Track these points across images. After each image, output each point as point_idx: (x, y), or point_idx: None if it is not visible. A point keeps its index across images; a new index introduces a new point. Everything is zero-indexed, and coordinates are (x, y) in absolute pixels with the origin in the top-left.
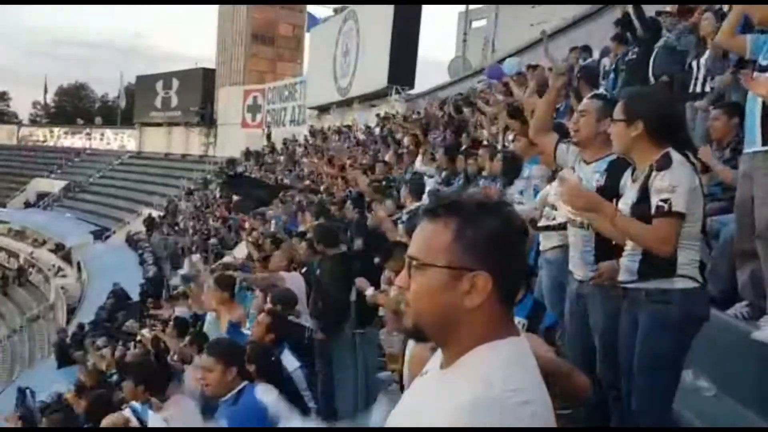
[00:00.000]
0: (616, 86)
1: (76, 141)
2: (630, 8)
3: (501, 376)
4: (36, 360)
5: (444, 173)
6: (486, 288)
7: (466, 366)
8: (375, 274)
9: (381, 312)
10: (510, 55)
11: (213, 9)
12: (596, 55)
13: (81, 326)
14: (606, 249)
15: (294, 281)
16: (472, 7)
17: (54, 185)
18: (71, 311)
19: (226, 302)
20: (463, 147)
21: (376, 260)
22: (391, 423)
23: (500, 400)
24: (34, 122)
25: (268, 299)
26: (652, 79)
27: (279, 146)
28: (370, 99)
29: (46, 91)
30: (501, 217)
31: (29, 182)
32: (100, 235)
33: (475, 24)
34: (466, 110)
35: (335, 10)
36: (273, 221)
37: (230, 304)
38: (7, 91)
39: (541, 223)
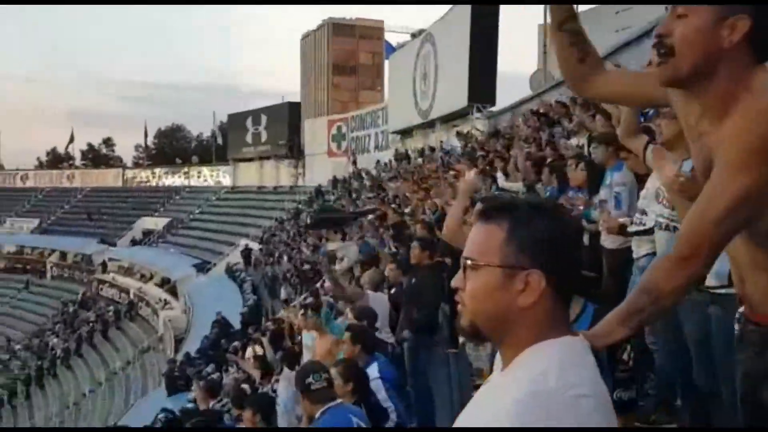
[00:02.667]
0: None
1: (176, 180)
2: None
3: (557, 371)
4: (149, 389)
5: (529, 187)
6: (539, 286)
7: (522, 364)
8: None
9: None
10: None
11: (296, 44)
12: None
13: (188, 355)
14: None
15: (378, 301)
16: (550, 19)
17: (158, 223)
18: (179, 341)
19: (319, 328)
20: (549, 160)
21: None
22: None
23: (557, 393)
24: (137, 164)
25: (349, 315)
26: None
27: (364, 172)
28: (451, 119)
29: (146, 135)
30: (554, 217)
31: (136, 221)
32: (202, 267)
33: None
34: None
35: (412, 35)
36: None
37: (321, 330)
38: (111, 137)
39: (632, 228)
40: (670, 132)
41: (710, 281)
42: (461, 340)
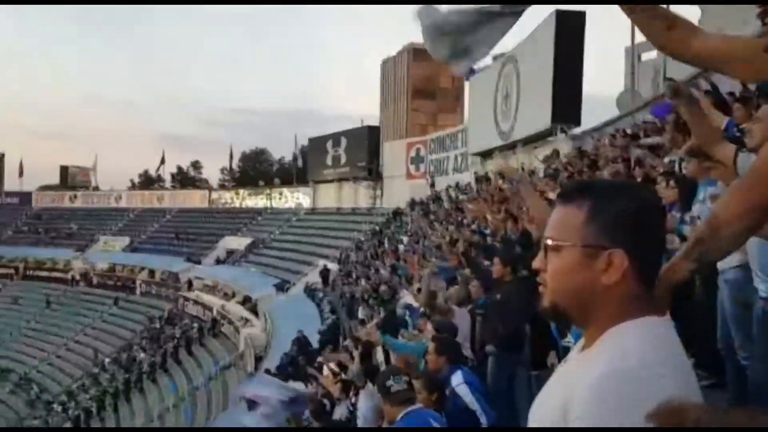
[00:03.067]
0: None
1: (258, 201)
2: None
3: (638, 351)
4: (229, 405)
5: None
6: (623, 265)
7: (603, 344)
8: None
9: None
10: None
11: (376, 68)
12: None
13: (267, 371)
14: None
15: (461, 316)
16: (638, 41)
17: (241, 242)
18: (258, 359)
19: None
20: (638, 179)
21: None
22: (531, 409)
23: (637, 371)
24: (222, 186)
25: (429, 326)
26: None
27: (443, 193)
28: (533, 140)
29: (231, 158)
30: (636, 196)
31: (219, 240)
32: (282, 287)
33: (644, 57)
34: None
35: (494, 58)
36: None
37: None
38: (199, 160)
39: None
40: (761, 136)
41: None
42: (549, 361)
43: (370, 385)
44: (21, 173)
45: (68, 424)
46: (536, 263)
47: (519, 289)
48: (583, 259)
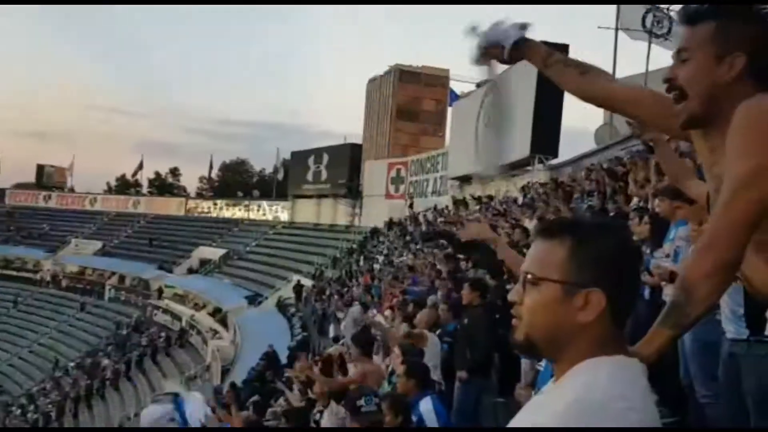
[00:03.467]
0: None
1: (236, 212)
2: None
3: (607, 384)
4: None
5: None
6: (600, 304)
7: (574, 376)
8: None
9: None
10: None
11: (362, 88)
12: None
13: (233, 385)
14: (758, 302)
15: (433, 341)
16: (618, 75)
17: (215, 253)
18: (225, 371)
19: (361, 360)
20: (612, 214)
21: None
22: None
23: (602, 403)
24: (200, 195)
25: (398, 351)
26: None
27: (420, 216)
28: (511, 169)
29: (211, 167)
30: (616, 237)
31: (194, 250)
32: (254, 300)
33: None
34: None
35: (477, 85)
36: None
37: (368, 362)
38: (178, 167)
39: None
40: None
41: None
42: (517, 391)
43: (333, 404)
44: None
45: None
46: (512, 296)
47: (486, 314)
48: (561, 296)
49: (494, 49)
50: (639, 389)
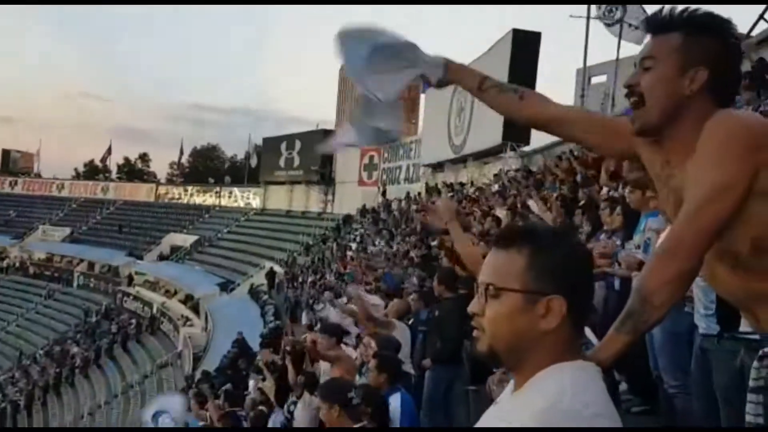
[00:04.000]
0: None
1: (207, 198)
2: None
3: (570, 391)
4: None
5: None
6: (561, 311)
7: (535, 385)
8: None
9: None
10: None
11: (334, 74)
12: None
13: (206, 373)
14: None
15: (402, 330)
16: (590, 63)
17: (186, 240)
18: (197, 359)
19: (333, 349)
20: (581, 203)
21: None
22: None
23: (572, 411)
24: (170, 181)
25: (373, 344)
26: None
27: (393, 203)
28: (483, 156)
29: (182, 153)
30: (570, 244)
31: (164, 237)
32: (226, 287)
33: (595, 80)
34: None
35: None
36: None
37: (341, 351)
38: (147, 152)
39: None
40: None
41: (744, 326)
42: (489, 382)
43: (306, 395)
44: None
45: None
46: (473, 308)
47: (456, 306)
48: (523, 305)
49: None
50: (601, 394)
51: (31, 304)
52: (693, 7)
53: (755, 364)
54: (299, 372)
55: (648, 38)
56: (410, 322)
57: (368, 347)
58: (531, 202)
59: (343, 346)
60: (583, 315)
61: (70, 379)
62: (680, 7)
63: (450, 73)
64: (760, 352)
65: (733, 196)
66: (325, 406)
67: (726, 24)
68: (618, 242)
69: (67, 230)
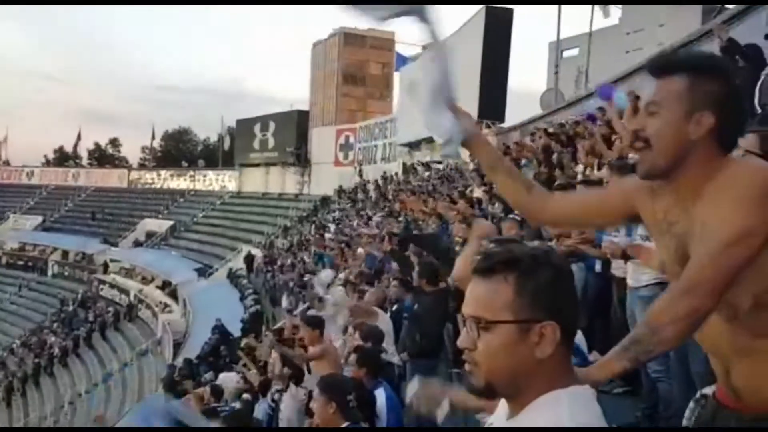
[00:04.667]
0: None
1: (181, 183)
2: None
3: (567, 420)
4: (145, 392)
5: None
6: (555, 336)
7: (533, 413)
8: None
9: None
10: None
11: (306, 53)
12: None
13: (188, 361)
14: None
15: (382, 318)
16: (563, 36)
17: (161, 225)
18: (177, 346)
19: (316, 340)
20: (558, 182)
21: None
22: None
23: None
24: (142, 166)
25: (357, 335)
26: (758, 108)
27: (371, 184)
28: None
29: (153, 137)
30: (555, 265)
31: (139, 223)
32: (204, 272)
33: (567, 54)
34: (556, 144)
35: (423, 47)
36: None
37: (324, 343)
38: (117, 137)
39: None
40: None
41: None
42: None
43: (293, 386)
44: None
45: None
46: (464, 343)
47: (436, 299)
48: (517, 335)
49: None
50: (597, 420)
51: (5, 294)
52: (696, 50)
53: (690, 404)
54: (285, 363)
55: (652, 81)
56: (394, 309)
57: (353, 338)
58: None
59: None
60: (573, 333)
61: (49, 369)
62: (683, 50)
63: (470, 142)
64: (697, 394)
65: (756, 242)
66: (322, 400)
67: (730, 66)
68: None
69: (39, 218)
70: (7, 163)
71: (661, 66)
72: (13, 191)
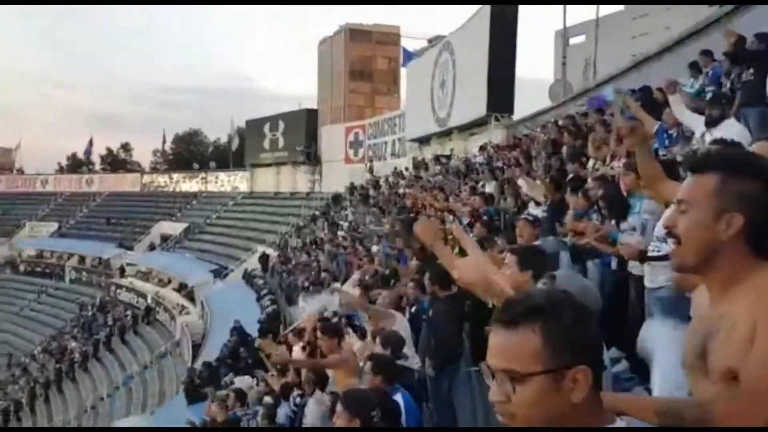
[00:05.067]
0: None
1: (193, 185)
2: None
3: None
4: (166, 397)
5: (549, 205)
6: (588, 380)
7: None
8: (487, 312)
9: None
10: (613, 77)
11: (313, 50)
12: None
13: (208, 364)
14: None
15: (400, 321)
16: (569, 24)
17: (176, 228)
18: (196, 347)
19: (335, 349)
20: (570, 176)
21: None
22: None
23: None
24: (154, 169)
25: (377, 341)
26: None
27: (382, 180)
28: (469, 128)
29: (164, 141)
30: (575, 306)
31: (153, 226)
32: (219, 273)
33: (573, 41)
34: (569, 137)
35: (429, 41)
36: (379, 254)
37: (343, 351)
38: (129, 142)
39: (651, 254)
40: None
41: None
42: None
43: (318, 391)
44: None
45: None
46: (496, 396)
47: (451, 306)
48: (551, 384)
49: None
50: None
51: (25, 301)
52: (733, 149)
53: None
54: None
55: (687, 177)
56: (413, 310)
57: (372, 345)
58: (520, 181)
59: (350, 334)
60: (601, 371)
61: (71, 374)
62: (718, 148)
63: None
64: None
65: None
66: (346, 416)
67: (763, 166)
68: (612, 222)
69: (55, 225)
70: (21, 171)
71: (694, 162)
72: (28, 199)
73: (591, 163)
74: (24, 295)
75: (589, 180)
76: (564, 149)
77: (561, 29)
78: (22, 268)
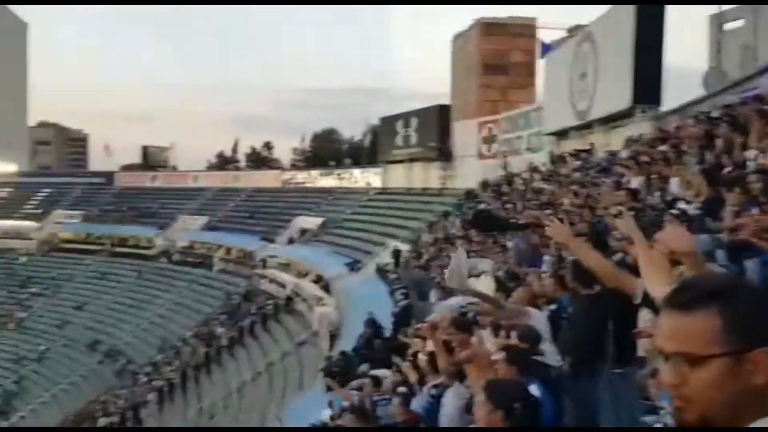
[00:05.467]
0: None
1: (329, 181)
2: None
3: None
4: (305, 382)
5: (703, 201)
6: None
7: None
8: (630, 313)
9: (641, 351)
10: None
11: (446, 46)
12: None
13: (344, 353)
14: None
15: (536, 318)
16: (725, 7)
17: (313, 222)
18: (332, 337)
19: (466, 344)
20: (727, 170)
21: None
22: None
23: None
24: (294, 166)
25: (513, 335)
26: None
27: (517, 176)
28: (612, 120)
29: (303, 140)
30: (749, 289)
31: (292, 220)
32: (353, 266)
33: (729, 26)
34: (727, 128)
35: (568, 30)
36: (513, 251)
37: (474, 348)
38: (271, 140)
39: None
40: None
41: None
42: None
43: (457, 384)
44: (107, 153)
45: (153, 395)
46: (672, 380)
47: (591, 304)
48: (731, 367)
49: None
50: None
51: (177, 288)
52: None
53: None
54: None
55: None
56: (553, 307)
57: (506, 340)
58: (672, 180)
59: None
60: None
61: (219, 359)
62: None
63: None
64: None
65: None
66: (489, 406)
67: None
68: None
69: (205, 219)
70: (174, 168)
71: None
72: (182, 194)
73: (752, 153)
74: (176, 283)
75: (749, 173)
76: (718, 142)
77: (716, 13)
78: (175, 257)
